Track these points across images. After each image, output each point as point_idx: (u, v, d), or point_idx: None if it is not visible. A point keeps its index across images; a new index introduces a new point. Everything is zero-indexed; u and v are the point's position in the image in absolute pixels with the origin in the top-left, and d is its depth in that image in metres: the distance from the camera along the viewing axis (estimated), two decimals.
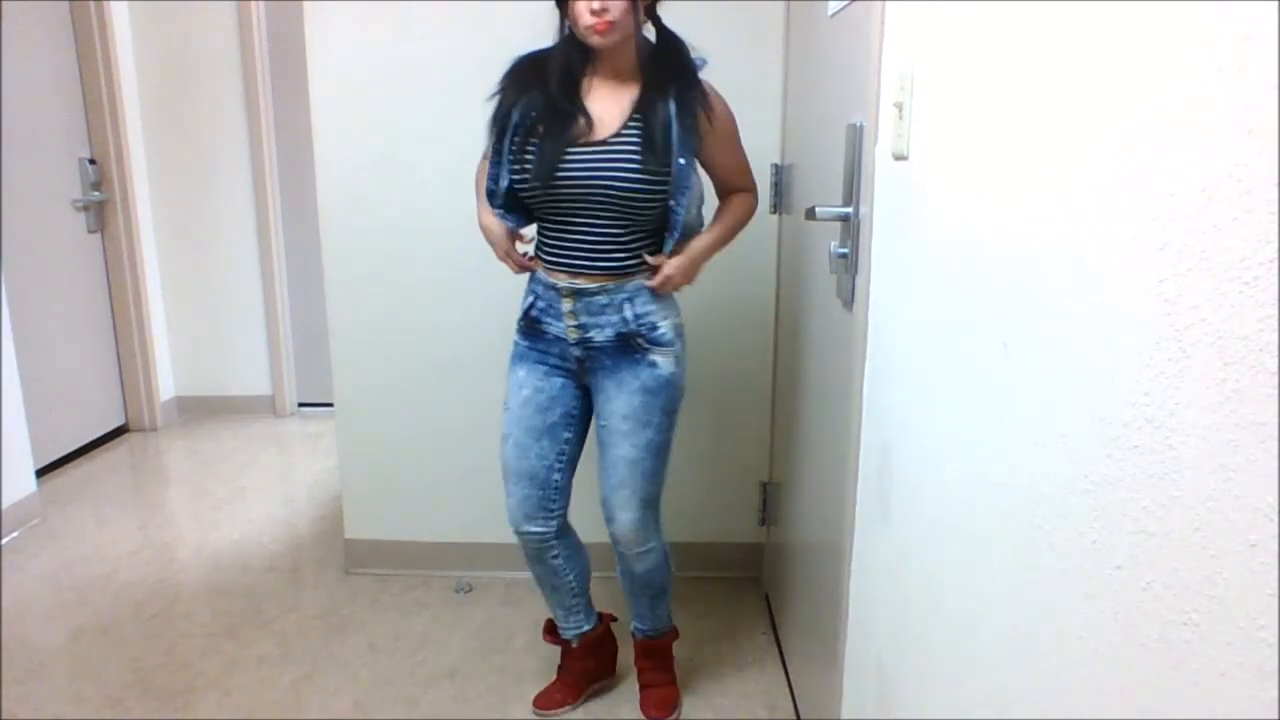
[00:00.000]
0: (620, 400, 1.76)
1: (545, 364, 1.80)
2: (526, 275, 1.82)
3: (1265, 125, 0.53)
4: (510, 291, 2.57)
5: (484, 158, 1.79)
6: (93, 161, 3.67)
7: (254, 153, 3.93)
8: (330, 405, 2.66)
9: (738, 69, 2.33)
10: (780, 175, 2.36)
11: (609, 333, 1.73)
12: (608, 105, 1.68)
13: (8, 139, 3.21)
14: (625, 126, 1.65)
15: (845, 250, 1.51)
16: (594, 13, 1.56)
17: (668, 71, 1.68)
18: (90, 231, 3.71)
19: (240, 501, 3.21)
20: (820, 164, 1.80)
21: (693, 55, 1.71)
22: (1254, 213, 0.54)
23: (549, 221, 1.73)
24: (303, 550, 2.83)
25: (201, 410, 4.19)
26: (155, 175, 3.96)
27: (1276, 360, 0.53)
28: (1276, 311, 0.53)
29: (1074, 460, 0.76)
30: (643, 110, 1.65)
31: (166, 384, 4.11)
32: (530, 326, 1.80)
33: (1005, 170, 0.91)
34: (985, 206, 0.96)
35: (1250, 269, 0.55)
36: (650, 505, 1.87)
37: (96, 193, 3.68)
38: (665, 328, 1.76)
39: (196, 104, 3.90)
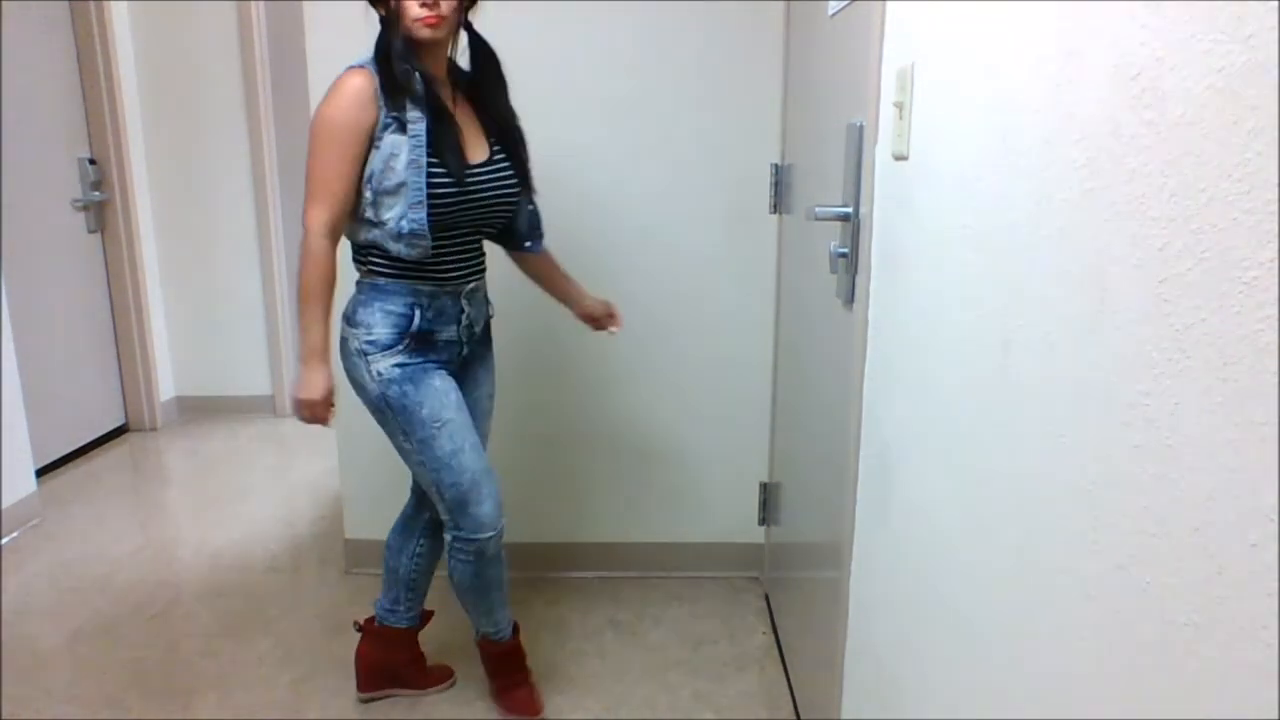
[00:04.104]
0: (488, 381, 1.95)
1: (444, 368, 1.79)
2: (369, 300, 1.72)
3: (1265, 125, 0.53)
4: (511, 290, 2.56)
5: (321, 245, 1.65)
6: (93, 161, 3.67)
7: (254, 153, 3.93)
8: None
9: (738, 69, 2.34)
10: (780, 175, 2.36)
11: (482, 322, 1.88)
12: (462, 118, 1.70)
13: (8, 139, 3.21)
14: (495, 150, 1.76)
15: (845, 250, 1.51)
16: (425, 4, 1.55)
17: (500, 83, 1.76)
18: (90, 231, 3.71)
19: (240, 501, 3.21)
20: (820, 164, 1.80)
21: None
22: (1254, 213, 0.54)
23: (457, 235, 1.72)
24: (303, 550, 2.83)
25: (201, 410, 4.19)
26: (155, 175, 3.96)
27: (1276, 360, 0.53)
28: (1276, 311, 0.53)
29: (1074, 460, 0.76)
30: (496, 131, 1.76)
31: (166, 384, 4.11)
32: (420, 341, 1.73)
33: (1005, 170, 0.91)
34: (985, 206, 0.96)
35: (1250, 269, 0.55)
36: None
37: (96, 193, 3.68)
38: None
39: (196, 104, 3.90)
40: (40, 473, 3.25)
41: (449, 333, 1.78)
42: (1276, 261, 0.53)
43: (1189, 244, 0.61)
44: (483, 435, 1.92)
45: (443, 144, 1.62)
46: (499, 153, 1.76)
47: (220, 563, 2.73)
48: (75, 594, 2.54)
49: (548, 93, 2.31)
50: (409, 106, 1.59)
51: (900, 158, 1.25)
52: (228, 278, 4.08)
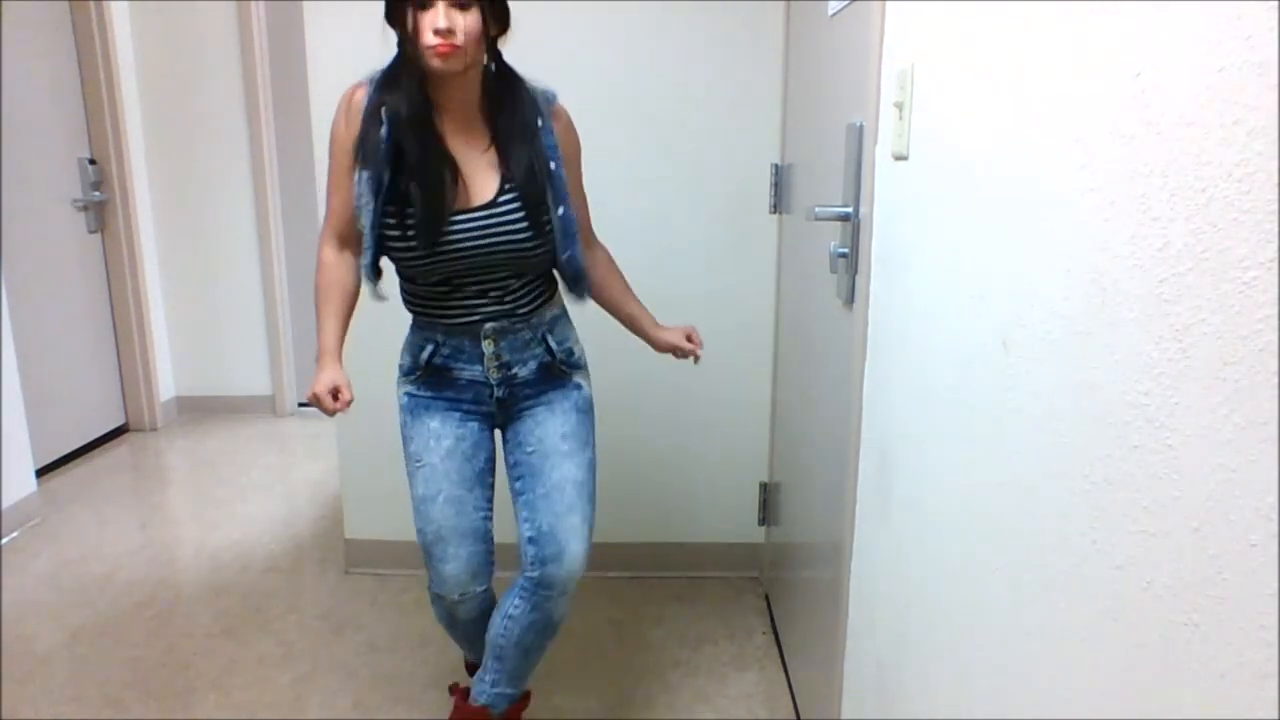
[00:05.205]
0: (557, 420, 1.66)
1: (459, 410, 1.65)
2: (410, 327, 1.68)
3: (1265, 125, 0.53)
4: None
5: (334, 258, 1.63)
6: (93, 161, 3.67)
7: (254, 152, 3.93)
8: None
9: (738, 69, 2.34)
10: (780, 175, 2.36)
11: (532, 365, 1.65)
12: (473, 160, 1.54)
13: (8, 139, 3.21)
14: (502, 191, 1.54)
15: (845, 250, 1.51)
16: (438, 31, 1.39)
17: (517, 117, 1.56)
18: (90, 231, 3.71)
19: (240, 501, 3.21)
20: (820, 164, 1.80)
21: (541, 89, 1.59)
22: (1254, 213, 0.54)
23: (441, 282, 1.58)
24: (303, 550, 2.83)
25: (201, 410, 4.19)
26: (155, 175, 3.96)
27: (1276, 360, 0.53)
28: (1276, 311, 0.53)
29: (1074, 460, 0.76)
30: (512, 171, 1.54)
31: (166, 384, 4.11)
32: (433, 375, 1.64)
33: (1005, 170, 0.91)
34: (984, 206, 0.96)
35: (1250, 269, 0.55)
36: (592, 535, 1.67)
37: (96, 193, 3.68)
38: (578, 351, 1.72)
39: (196, 104, 3.90)
40: (40, 473, 3.25)
41: (472, 372, 1.63)
42: (1276, 261, 0.53)
43: (1189, 244, 0.61)
44: (561, 482, 1.64)
45: (412, 195, 1.50)
46: (508, 194, 1.53)
47: (220, 563, 2.73)
48: (75, 594, 2.54)
49: None
50: (373, 138, 1.49)
51: (900, 158, 1.25)
52: (228, 278, 4.08)
